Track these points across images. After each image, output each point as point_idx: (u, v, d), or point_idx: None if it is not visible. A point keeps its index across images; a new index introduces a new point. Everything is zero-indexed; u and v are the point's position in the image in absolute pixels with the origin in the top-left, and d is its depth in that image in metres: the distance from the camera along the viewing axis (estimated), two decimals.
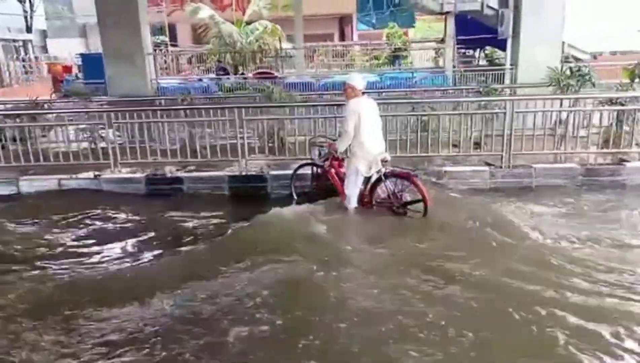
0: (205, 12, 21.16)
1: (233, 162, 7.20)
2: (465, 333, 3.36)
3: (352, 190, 5.79)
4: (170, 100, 7.85)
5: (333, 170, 6.09)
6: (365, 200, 5.87)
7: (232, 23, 21.26)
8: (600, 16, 16.94)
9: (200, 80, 18.54)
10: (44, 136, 7.78)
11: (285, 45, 22.00)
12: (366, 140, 5.59)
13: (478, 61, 21.72)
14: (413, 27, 26.60)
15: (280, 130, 7.36)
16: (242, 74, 19.33)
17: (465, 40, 19.34)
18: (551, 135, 7.38)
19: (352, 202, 5.81)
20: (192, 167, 7.09)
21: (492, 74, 17.53)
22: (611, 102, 6.96)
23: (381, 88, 15.34)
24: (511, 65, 15.39)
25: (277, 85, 9.04)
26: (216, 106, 7.60)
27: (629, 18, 16.67)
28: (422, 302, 3.81)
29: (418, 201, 5.60)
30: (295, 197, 6.52)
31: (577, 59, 17.43)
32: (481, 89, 8.09)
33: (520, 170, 6.54)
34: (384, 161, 5.69)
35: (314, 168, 6.41)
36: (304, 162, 6.58)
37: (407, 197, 5.74)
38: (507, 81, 15.23)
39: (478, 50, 21.76)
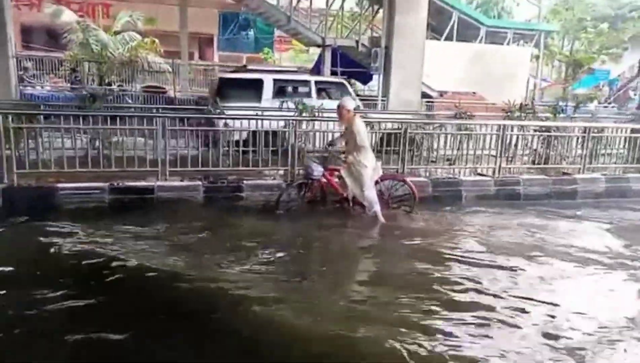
0: (70, 16, 19.26)
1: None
2: None
3: (375, 197, 6.62)
4: (194, 109, 7.54)
5: (324, 180, 6.78)
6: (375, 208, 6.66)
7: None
8: (445, 61, 20.74)
9: (74, 89, 16.96)
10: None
11: (157, 60, 21.28)
12: (370, 152, 6.65)
13: None
14: (264, 53, 28.06)
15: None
16: (121, 85, 18.15)
17: (335, 71, 21.34)
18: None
19: (378, 207, 6.64)
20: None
21: (365, 103, 19.81)
22: (542, 130, 9.30)
23: None
24: (382, 96, 17.93)
25: None
26: (271, 118, 7.70)
27: (466, 65, 20.80)
28: None
29: (408, 197, 7.01)
30: (280, 210, 6.68)
31: (428, 95, 20.98)
32: (456, 114, 9.68)
33: (510, 179, 8.34)
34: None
35: (308, 183, 6.78)
36: (300, 179, 6.96)
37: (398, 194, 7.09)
38: (379, 109, 17.65)
39: None
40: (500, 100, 17.01)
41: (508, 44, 21.77)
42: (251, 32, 28.85)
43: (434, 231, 6.55)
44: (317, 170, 6.67)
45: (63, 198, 5.97)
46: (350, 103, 6.75)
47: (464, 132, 8.70)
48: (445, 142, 8.77)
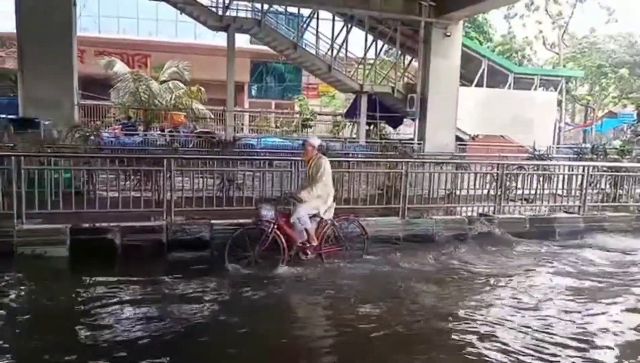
0: (122, 67, 20.33)
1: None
2: None
3: (306, 226, 6.45)
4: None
5: (277, 225, 6.37)
6: (314, 244, 6.58)
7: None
8: (476, 106, 21.65)
9: (131, 135, 17.82)
10: None
11: (200, 107, 22.27)
12: (330, 189, 6.68)
13: (372, 135, 24.95)
14: (299, 99, 29.23)
15: None
16: (171, 131, 18.95)
17: (370, 115, 22.19)
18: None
19: (304, 238, 6.50)
20: None
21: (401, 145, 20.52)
22: (611, 169, 9.91)
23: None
24: (419, 140, 18.72)
25: None
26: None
27: (497, 109, 21.70)
28: None
29: (361, 237, 7.04)
30: (230, 265, 6.16)
31: (460, 139, 21.78)
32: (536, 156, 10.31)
33: (597, 217, 8.91)
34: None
35: (262, 229, 6.34)
36: (249, 226, 6.44)
37: (350, 235, 6.97)
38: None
39: (372, 126, 25.05)
40: (529, 143, 17.89)
41: (535, 89, 22.78)
42: (273, 79, 30.00)
43: None
44: (269, 211, 6.38)
45: (215, 233, 6.50)
46: (316, 141, 7.04)
47: (545, 172, 9.32)
48: (524, 182, 9.36)
